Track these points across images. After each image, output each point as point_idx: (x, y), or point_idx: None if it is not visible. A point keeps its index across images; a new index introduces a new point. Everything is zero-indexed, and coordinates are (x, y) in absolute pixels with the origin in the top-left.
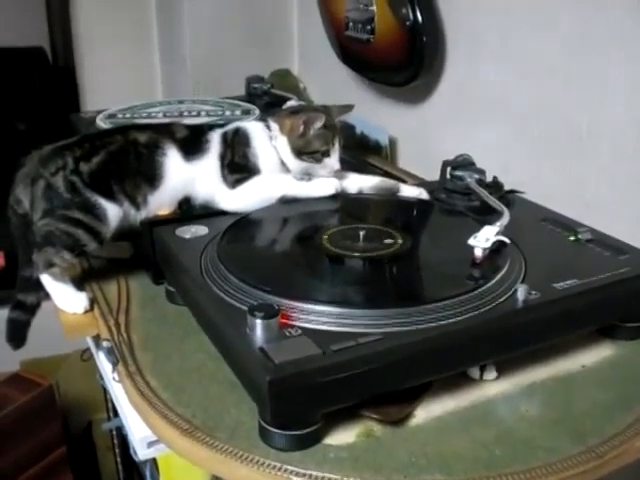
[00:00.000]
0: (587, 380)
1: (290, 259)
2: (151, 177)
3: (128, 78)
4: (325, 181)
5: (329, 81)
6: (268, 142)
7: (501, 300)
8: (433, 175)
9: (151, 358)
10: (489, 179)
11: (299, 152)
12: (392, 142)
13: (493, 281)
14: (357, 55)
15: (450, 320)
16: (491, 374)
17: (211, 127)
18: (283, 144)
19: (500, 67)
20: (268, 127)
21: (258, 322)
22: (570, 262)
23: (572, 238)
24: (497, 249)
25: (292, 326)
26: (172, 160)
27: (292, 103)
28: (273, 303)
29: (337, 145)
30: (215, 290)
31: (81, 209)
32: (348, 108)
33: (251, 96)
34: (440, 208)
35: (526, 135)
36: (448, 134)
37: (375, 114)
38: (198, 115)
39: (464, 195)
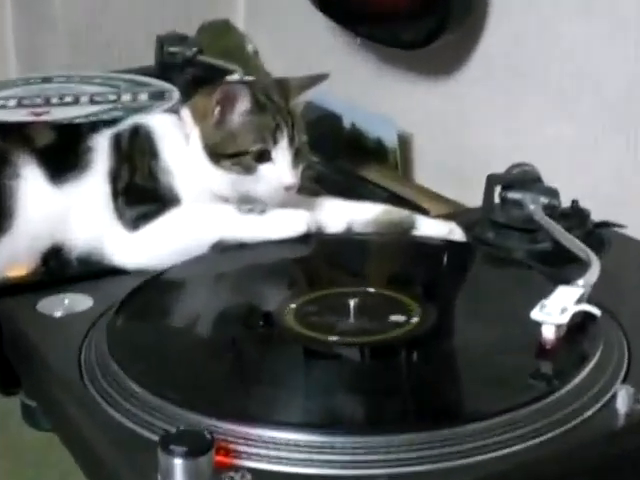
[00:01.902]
0: None
1: (231, 352)
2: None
3: None
4: (289, 215)
5: (298, 41)
6: (185, 146)
7: (589, 414)
8: (472, 198)
9: None
10: (565, 204)
11: (215, 153)
12: (403, 142)
13: (575, 381)
14: None
15: (502, 452)
16: None
17: (94, 126)
18: (196, 139)
19: (587, 21)
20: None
21: (177, 463)
22: None
23: None
24: (581, 325)
25: (237, 467)
26: (29, 184)
27: (235, 78)
28: (203, 429)
29: (286, 142)
30: (105, 407)
31: None
32: (317, 79)
33: (166, 68)
34: (484, 255)
35: (626, 132)
36: (495, 129)
37: (375, 95)
38: (76, 103)
39: (524, 232)
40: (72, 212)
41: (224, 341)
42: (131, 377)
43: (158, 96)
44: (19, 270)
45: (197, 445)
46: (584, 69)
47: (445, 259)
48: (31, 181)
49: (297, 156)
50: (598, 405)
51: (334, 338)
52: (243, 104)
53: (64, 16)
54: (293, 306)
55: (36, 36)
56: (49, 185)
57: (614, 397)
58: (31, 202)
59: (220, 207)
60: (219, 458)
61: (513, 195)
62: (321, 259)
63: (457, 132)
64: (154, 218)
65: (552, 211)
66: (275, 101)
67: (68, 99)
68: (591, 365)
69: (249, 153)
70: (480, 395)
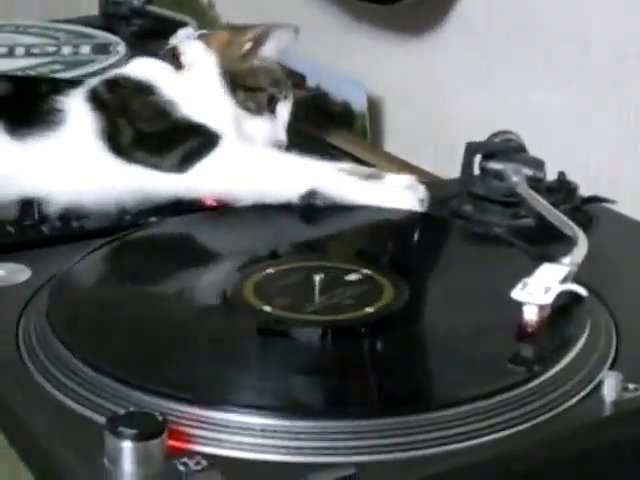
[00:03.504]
0: None
1: (185, 329)
2: None
3: None
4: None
5: None
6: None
7: (572, 402)
8: (448, 169)
9: None
10: (552, 176)
11: (234, 82)
12: (373, 106)
13: (558, 367)
14: None
15: (479, 440)
16: None
17: (56, 88)
18: (208, 67)
19: None
20: (173, 59)
21: (126, 446)
22: None
23: None
24: (566, 306)
25: (190, 453)
26: None
27: (187, 33)
28: (155, 410)
29: (291, 100)
30: (46, 387)
31: None
32: (285, 32)
33: (111, 18)
34: (462, 230)
35: (619, 100)
36: (475, 95)
37: (343, 55)
38: (10, 54)
39: (506, 206)
40: (41, 169)
41: (177, 317)
42: (75, 354)
43: (102, 49)
44: None
45: (148, 427)
46: (573, 31)
47: (420, 234)
48: None
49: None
50: (583, 393)
51: (296, 316)
52: (280, 43)
53: None
54: (254, 280)
55: None
56: (7, 137)
57: (601, 384)
58: None
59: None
60: (172, 442)
61: (494, 165)
62: (280, 229)
63: (433, 97)
64: (205, 153)
65: (537, 184)
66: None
67: (1, 50)
68: (576, 349)
69: (266, 92)
70: (455, 380)
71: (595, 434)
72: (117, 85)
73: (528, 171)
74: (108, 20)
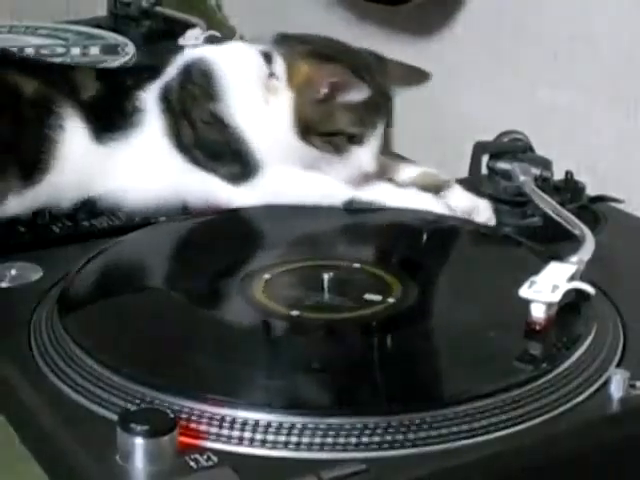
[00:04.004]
0: None
1: (196, 327)
2: (31, 163)
3: None
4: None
5: None
6: (262, 97)
7: (580, 399)
8: (454, 169)
9: None
10: (559, 176)
11: (306, 128)
12: None
13: (566, 364)
14: None
15: (486, 437)
16: None
17: (138, 80)
18: (285, 105)
19: None
20: (269, 61)
21: (138, 442)
22: None
23: None
24: (573, 305)
25: (201, 449)
26: (72, 140)
27: (195, 34)
28: (166, 408)
29: (382, 127)
30: (58, 384)
31: None
32: (419, 76)
33: (120, 19)
34: (470, 230)
35: (626, 99)
36: (482, 94)
37: None
38: None
39: (513, 206)
40: (114, 168)
41: (187, 315)
42: (87, 352)
43: (111, 50)
44: None
45: (159, 424)
46: (581, 29)
47: (430, 235)
48: (74, 137)
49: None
50: (591, 390)
51: (306, 314)
52: (357, 93)
53: None
54: (265, 277)
55: None
56: (93, 143)
57: (608, 382)
58: (71, 157)
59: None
60: (183, 439)
61: (502, 165)
62: (303, 230)
63: (440, 96)
64: (254, 176)
65: (544, 183)
66: (378, 81)
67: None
68: (584, 347)
69: (344, 134)
70: (463, 377)
71: (603, 431)
72: (189, 81)
73: (536, 170)
74: (117, 21)
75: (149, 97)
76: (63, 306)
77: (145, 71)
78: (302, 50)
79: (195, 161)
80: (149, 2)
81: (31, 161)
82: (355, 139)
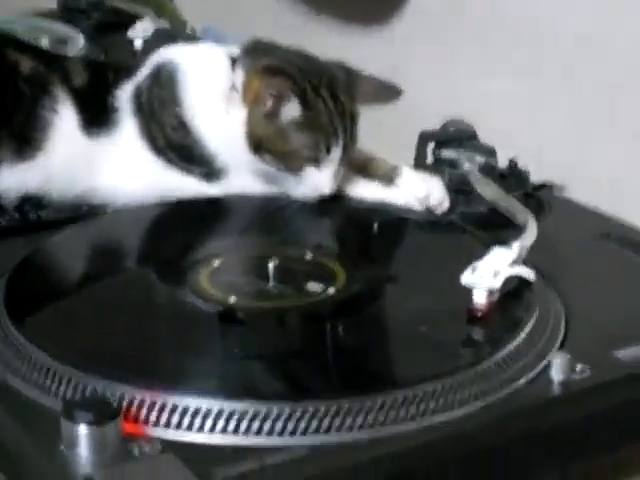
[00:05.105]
0: None
1: (138, 314)
2: (24, 138)
3: None
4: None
5: None
6: (223, 107)
7: (521, 382)
8: (402, 157)
9: None
10: (503, 164)
11: (260, 145)
12: None
13: (507, 349)
14: None
15: (427, 421)
16: None
17: (116, 78)
18: (240, 118)
19: None
20: (233, 67)
21: (82, 430)
22: None
23: None
24: (515, 291)
25: (145, 437)
26: (63, 124)
27: (144, 26)
28: (110, 395)
29: (340, 151)
30: (2, 373)
31: None
32: (392, 93)
33: (70, 11)
34: (416, 218)
35: (571, 88)
36: (428, 82)
37: (300, 43)
38: None
39: (459, 193)
40: (100, 164)
41: (133, 304)
42: (31, 341)
43: (61, 42)
44: None
45: (103, 412)
46: (525, 17)
47: (375, 223)
48: (65, 122)
49: (342, 161)
50: (532, 374)
51: (250, 303)
52: (294, 106)
53: None
54: (206, 271)
55: None
56: (81, 134)
57: (549, 365)
58: (62, 142)
59: None
60: (128, 427)
61: (447, 153)
62: (235, 215)
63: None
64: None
65: (489, 171)
66: (340, 100)
67: None
68: (525, 332)
69: (298, 157)
70: (406, 362)
71: (544, 414)
72: (157, 84)
73: (480, 158)
74: (67, 13)
75: (123, 96)
76: (7, 296)
77: (123, 68)
78: (259, 65)
79: (171, 162)
80: None
81: (24, 136)
82: (310, 161)
